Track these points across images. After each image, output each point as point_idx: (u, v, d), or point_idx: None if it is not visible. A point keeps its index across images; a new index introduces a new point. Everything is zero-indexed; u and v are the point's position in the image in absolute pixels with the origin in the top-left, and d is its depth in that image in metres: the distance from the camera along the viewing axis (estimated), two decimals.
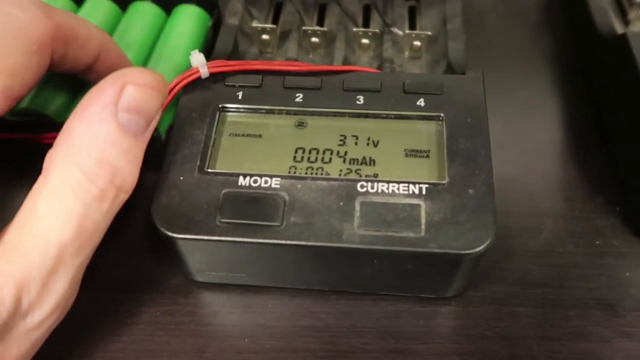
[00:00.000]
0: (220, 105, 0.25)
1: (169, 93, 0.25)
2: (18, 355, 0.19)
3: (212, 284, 0.24)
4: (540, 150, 0.29)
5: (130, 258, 0.25)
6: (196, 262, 0.23)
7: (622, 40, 0.27)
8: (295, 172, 0.23)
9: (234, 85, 0.25)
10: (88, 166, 0.18)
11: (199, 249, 0.22)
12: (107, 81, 0.19)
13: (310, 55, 0.31)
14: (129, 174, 0.19)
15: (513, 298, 0.24)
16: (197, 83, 0.25)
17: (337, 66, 0.26)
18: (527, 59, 0.35)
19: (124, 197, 0.19)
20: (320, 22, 0.33)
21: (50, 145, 0.24)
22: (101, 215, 0.19)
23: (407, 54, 0.31)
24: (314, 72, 0.26)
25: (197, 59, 0.25)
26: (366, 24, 0.33)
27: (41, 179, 0.19)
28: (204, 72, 0.25)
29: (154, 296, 0.24)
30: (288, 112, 0.25)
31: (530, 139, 0.30)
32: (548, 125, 0.31)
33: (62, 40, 0.21)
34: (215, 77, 0.25)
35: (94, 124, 0.18)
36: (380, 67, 0.29)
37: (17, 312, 0.18)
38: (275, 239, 0.21)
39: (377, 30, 0.30)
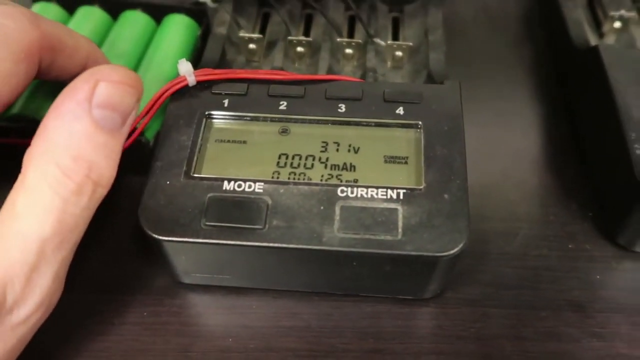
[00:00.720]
0: (206, 113, 0.25)
1: (157, 101, 0.26)
2: (4, 351, 0.19)
3: (197, 285, 0.25)
4: (517, 157, 0.30)
5: (116, 260, 0.26)
6: (182, 263, 0.24)
7: (594, 52, 0.29)
8: (278, 177, 0.24)
9: (220, 93, 0.26)
10: (64, 162, 0.19)
11: (184, 251, 0.23)
12: (80, 79, 0.20)
13: (296, 65, 0.32)
14: (106, 168, 0.20)
15: (488, 299, 0.25)
16: (185, 91, 0.26)
17: (320, 75, 0.27)
18: (506, 69, 0.36)
19: (102, 192, 0.20)
20: (306, 33, 0.34)
21: None
22: (80, 210, 0.19)
23: (389, 63, 0.32)
24: (298, 80, 0.26)
25: (185, 67, 0.26)
26: (351, 35, 0.34)
27: (20, 178, 0.19)
28: (191, 80, 0.26)
29: (140, 297, 0.25)
30: (272, 120, 0.25)
31: (507, 147, 0.31)
32: (525, 134, 0.32)
33: (49, 49, 0.22)
34: (202, 85, 0.26)
35: (69, 121, 0.19)
36: (363, 77, 0.30)
37: (2, 308, 0.18)
38: (258, 241, 0.22)
39: (360, 41, 0.31)
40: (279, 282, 0.25)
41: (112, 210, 0.28)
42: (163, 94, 0.26)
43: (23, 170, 0.19)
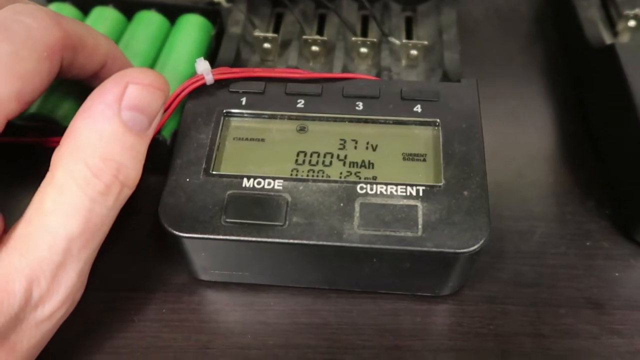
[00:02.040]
0: (224, 111, 0.25)
1: (175, 99, 0.26)
2: (28, 347, 0.19)
3: (216, 282, 0.25)
4: (532, 156, 0.30)
5: (135, 258, 0.26)
6: (201, 260, 0.24)
7: (610, 51, 0.29)
8: (297, 175, 0.24)
9: (237, 92, 0.26)
10: (93, 162, 0.19)
11: (204, 248, 0.23)
12: (110, 81, 0.20)
13: (311, 64, 0.32)
14: (133, 169, 0.20)
15: (506, 297, 0.25)
16: (202, 89, 0.26)
17: (337, 74, 0.27)
18: (520, 68, 0.36)
19: (127, 192, 0.20)
20: (320, 32, 0.34)
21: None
22: (107, 210, 0.20)
23: (404, 62, 0.32)
24: (315, 79, 0.27)
25: (203, 66, 0.26)
26: (364, 34, 0.34)
27: (48, 176, 0.19)
28: (209, 78, 0.26)
29: (159, 295, 0.25)
30: (290, 118, 0.26)
31: (522, 146, 0.31)
32: (539, 133, 0.32)
33: (70, 48, 0.22)
34: (219, 83, 0.26)
35: (98, 122, 0.19)
36: (378, 75, 0.31)
37: (27, 305, 0.19)
38: (278, 238, 0.22)
39: (375, 40, 0.31)
40: (298, 279, 0.25)
41: (130, 209, 0.27)
42: (181, 92, 0.26)
43: (52, 168, 0.19)
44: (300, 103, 0.26)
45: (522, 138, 0.32)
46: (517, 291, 0.25)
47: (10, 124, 0.23)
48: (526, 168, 0.30)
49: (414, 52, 0.31)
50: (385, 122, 0.25)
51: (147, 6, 0.34)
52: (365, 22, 0.35)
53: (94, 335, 0.24)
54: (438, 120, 0.25)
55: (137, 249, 0.27)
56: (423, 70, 0.32)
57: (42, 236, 0.19)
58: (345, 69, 0.31)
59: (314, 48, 0.31)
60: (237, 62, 0.31)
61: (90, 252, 0.20)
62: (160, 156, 0.28)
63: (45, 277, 0.19)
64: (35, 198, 0.19)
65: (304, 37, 0.31)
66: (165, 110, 0.26)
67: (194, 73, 0.29)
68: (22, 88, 0.20)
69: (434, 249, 0.21)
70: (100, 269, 0.25)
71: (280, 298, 0.25)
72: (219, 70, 0.26)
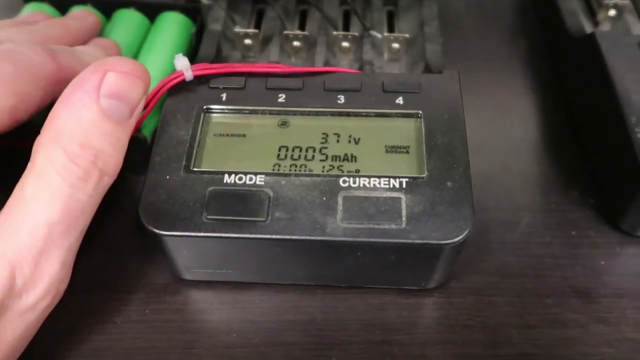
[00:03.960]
0: (204, 107, 0.25)
1: (154, 96, 0.25)
2: (13, 337, 0.19)
3: (199, 281, 0.25)
4: (516, 147, 0.30)
5: (116, 258, 0.26)
6: (183, 259, 0.23)
7: (591, 40, 0.29)
8: (279, 170, 0.23)
9: (217, 87, 0.26)
10: (71, 149, 0.19)
11: (186, 246, 0.22)
12: (89, 69, 0.20)
13: (292, 59, 0.32)
14: (112, 157, 0.20)
15: (493, 288, 0.24)
16: (182, 86, 0.26)
17: (319, 67, 0.27)
18: (502, 60, 0.36)
19: (108, 180, 0.20)
20: (302, 27, 0.34)
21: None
22: (87, 196, 0.20)
23: (386, 56, 0.32)
24: (296, 73, 0.26)
25: (181, 62, 0.26)
26: (346, 29, 0.33)
27: (29, 164, 0.19)
28: (189, 75, 0.26)
29: (141, 295, 0.25)
30: (271, 112, 0.25)
31: (505, 137, 0.31)
32: (522, 124, 0.32)
33: (64, 81, 0.23)
34: (199, 79, 0.26)
35: (77, 110, 0.19)
36: (360, 69, 0.30)
37: (11, 292, 0.18)
38: (261, 233, 0.21)
39: (356, 34, 0.31)
40: (282, 275, 0.24)
41: (110, 208, 0.27)
42: (160, 89, 0.25)
43: (32, 156, 0.19)
44: (281, 98, 0.25)
45: (505, 130, 0.32)
46: (503, 282, 0.25)
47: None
48: (510, 159, 0.30)
49: (395, 45, 0.31)
50: (367, 115, 0.25)
51: (126, 4, 0.33)
52: (347, 17, 0.35)
53: (74, 337, 0.23)
54: (420, 111, 0.25)
55: (117, 248, 0.26)
56: (405, 63, 0.31)
57: (23, 222, 0.19)
58: (327, 64, 0.31)
59: (296, 43, 0.31)
60: (217, 58, 0.30)
61: (73, 240, 0.20)
62: (141, 154, 0.27)
63: (28, 264, 0.19)
64: (16, 187, 0.19)
65: (285, 32, 0.31)
66: (145, 107, 0.26)
67: (174, 70, 0.29)
68: (16, 105, 0.21)
69: (418, 241, 0.21)
70: (80, 270, 0.24)
71: (265, 295, 0.24)
72: (198, 66, 0.26)
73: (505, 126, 0.32)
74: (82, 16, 0.30)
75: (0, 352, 0.19)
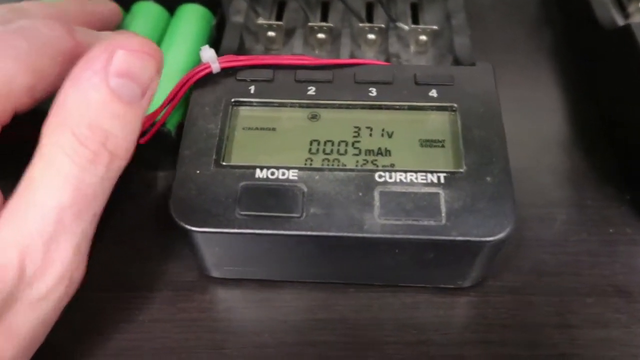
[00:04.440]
0: (232, 100, 0.24)
1: (180, 89, 0.25)
2: (26, 330, 0.18)
3: (228, 279, 0.24)
4: (547, 142, 0.30)
5: (139, 256, 0.25)
6: (213, 256, 0.23)
7: (626, 31, 0.28)
8: (311, 164, 0.23)
9: (245, 80, 0.25)
10: (80, 131, 0.18)
11: (217, 242, 0.22)
12: (97, 48, 0.19)
13: (316, 52, 0.31)
14: (122, 139, 0.19)
15: (530, 287, 0.24)
16: (208, 78, 0.25)
17: (348, 59, 0.26)
18: (527, 53, 0.35)
19: (119, 163, 0.19)
20: (324, 19, 0.33)
21: None
22: (98, 179, 0.19)
23: (412, 48, 0.31)
24: (325, 65, 0.26)
25: (208, 54, 0.25)
26: (370, 20, 0.33)
27: (38, 148, 0.19)
28: (215, 67, 0.25)
29: (168, 293, 0.24)
30: (301, 105, 0.25)
31: (535, 132, 0.30)
32: (552, 118, 0.31)
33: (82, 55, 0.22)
34: (225, 72, 0.25)
35: (85, 90, 0.18)
36: (387, 61, 0.30)
37: (22, 280, 0.18)
38: (296, 230, 0.21)
39: (382, 26, 0.30)
40: (314, 273, 0.24)
41: (130, 204, 0.27)
42: (186, 82, 0.25)
43: (40, 141, 0.19)
44: (311, 90, 0.25)
45: (533, 123, 0.31)
46: (541, 280, 0.24)
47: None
48: (540, 154, 0.29)
49: (423, 37, 0.30)
50: (400, 108, 0.24)
51: None
52: (370, 8, 0.34)
53: (99, 336, 0.23)
54: (455, 104, 0.24)
55: (141, 246, 0.25)
56: (432, 55, 0.31)
57: (32, 208, 0.18)
58: (352, 56, 0.30)
59: (320, 35, 0.30)
60: (240, 51, 0.30)
61: (86, 225, 0.19)
62: (165, 149, 0.27)
63: (38, 251, 0.18)
64: (26, 172, 0.19)
65: (310, 24, 0.30)
66: (171, 101, 0.25)
67: (197, 64, 0.28)
68: (35, 83, 0.20)
69: (459, 238, 0.20)
70: (103, 268, 0.24)
71: (295, 294, 0.24)
72: (225, 58, 0.25)
73: (534, 120, 0.31)
74: (102, 1, 0.29)
75: (14, 346, 0.18)
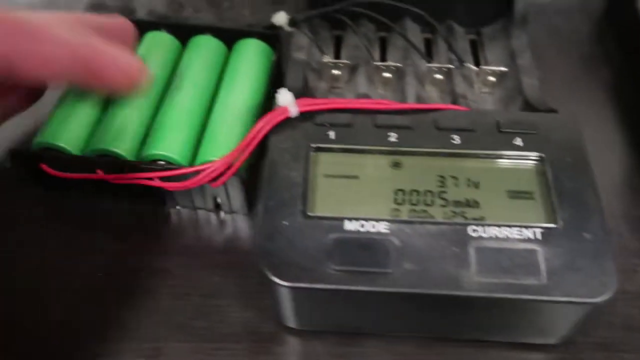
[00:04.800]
0: (313, 146, 0.24)
1: (258, 134, 0.24)
2: None
3: (307, 330, 0.23)
4: (617, 187, 0.29)
5: (216, 304, 0.24)
6: (298, 308, 0.22)
7: None
8: (398, 215, 0.22)
9: (324, 125, 0.24)
10: None
11: (306, 297, 0.21)
12: None
13: (380, 90, 0.31)
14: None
15: (621, 343, 0.23)
16: (286, 122, 0.25)
17: (426, 104, 0.26)
18: (587, 91, 0.34)
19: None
20: (383, 56, 0.33)
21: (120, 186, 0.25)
22: None
23: (478, 88, 0.30)
24: (403, 110, 0.25)
25: (286, 98, 0.24)
26: (429, 57, 0.32)
27: None
28: (294, 111, 0.24)
29: (247, 344, 0.23)
30: (382, 152, 0.24)
31: (605, 177, 0.29)
32: (619, 159, 0.30)
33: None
34: (303, 115, 0.25)
35: None
36: (454, 103, 0.29)
37: None
38: (391, 286, 0.20)
39: (451, 67, 0.29)
40: (399, 326, 0.23)
41: (205, 249, 0.26)
42: (264, 126, 0.24)
43: None
44: (393, 137, 0.24)
45: (602, 166, 0.30)
46: (631, 337, 0.23)
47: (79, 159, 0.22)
48: (613, 199, 0.28)
49: (490, 78, 0.30)
50: (485, 157, 0.24)
51: (203, 30, 0.32)
52: (428, 45, 0.34)
53: None
54: (542, 154, 0.23)
55: (216, 292, 0.25)
56: (499, 96, 0.30)
57: None
58: (418, 96, 0.29)
59: (386, 74, 0.30)
60: (305, 89, 0.29)
61: None
62: (236, 192, 0.26)
63: None
64: None
65: (376, 63, 0.30)
66: (247, 146, 0.24)
67: (260, 101, 0.28)
68: None
69: (562, 299, 0.20)
70: (179, 317, 0.23)
71: (378, 348, 0.23)
72: (302, 101, 0.25)
73: (601, 162, 0.30)
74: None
75: None
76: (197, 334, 0.23)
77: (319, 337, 0.23)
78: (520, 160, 0.24)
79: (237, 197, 0.27)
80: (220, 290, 0.25)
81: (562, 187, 0.22)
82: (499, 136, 0.24)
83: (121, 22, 0.27)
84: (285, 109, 0.24)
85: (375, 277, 0.20)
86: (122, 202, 0.28)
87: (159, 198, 0.28)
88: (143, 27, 0.32)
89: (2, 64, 0.20)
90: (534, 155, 0.24)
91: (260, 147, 0.25)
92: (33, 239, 0.27)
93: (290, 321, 0.23)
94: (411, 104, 0.25)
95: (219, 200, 0.28)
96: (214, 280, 0.25)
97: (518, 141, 0.24)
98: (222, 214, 0.28)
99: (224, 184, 0.25)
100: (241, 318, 0.24)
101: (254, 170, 0.27)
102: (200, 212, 0.28)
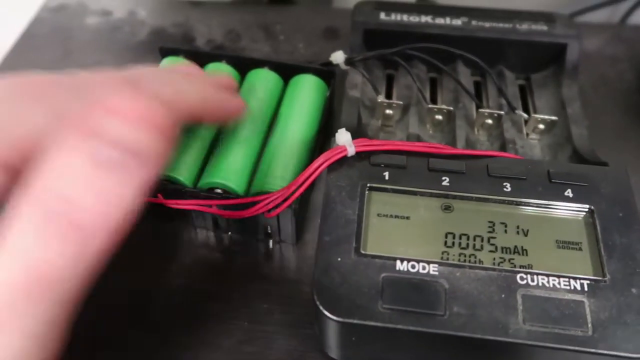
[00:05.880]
0: (368, 185, 0.25)
1: (316, 170, 0.25)
2: None
3: None
4: None
5: (263, 330, 0.25)
6: (346, 343, 0.23)
7: None
8: (447, 258, 0.23)
9: (379, 165, 0.25)
10: (48, 201, 0.15)
11: (355, 332, 0.22)
12: (90, 104, 0.16)
13: (430, 132, 0.32)
14: (101, 218, 0.16)
15: None
16: (343, 161, 0.26)
17: (480, 151, 0.27)
18: (634, 139, 0.35)
19: (96, 244, 0.16)
20: (433, 97, 0.34)
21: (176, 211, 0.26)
22: (64, 260, 0.15)
23: (527, 135, 0.31)
24: (457, 155, 0.26)
25: (344, 137, 0.25)
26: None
27: (10, 207, 0.16)
28: (351, 150, 0.25)
29: None
30: (434, 195, 0.25)
31: None
32: None
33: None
34: (359, 155, 0.26)
35: (65, 154, 0.16)
36: (502, 148, 0.30)
37: None
38: (440, 329, 0.21)
39: (503, 113, 0.30)
40: None
41: (254, 277, 0.27)
42: (322, 163, 0.25)
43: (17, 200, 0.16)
44: (445, 181, 0.25)
45: None
46: None
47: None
48: None
49: (541, 126, 0.30)
50: (535, 206, 0.24)
51: (261, 64, 0.34)
52: (477, 88, 0.35)
53: None
54: (592, 207, 0.24)
55: (264, 319, 0.26)
56: (547, 144, 0.31)
57: None
58: (467, 140, 0.30)
59: (438, 117, 0.31)
60: (358, 127, 0.30)
61: (46, 308, 0.15)
62: (285, 223, 0.27)
63: None
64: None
65: (430, 105, 0.31)
66: (303, 183, 0.25)
67: (314, 134, 0.29)
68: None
69: (608, 352, 0.20)
70: (228, 341, 0.24)
71: None
72: (359, 141, 0.26)
73: None
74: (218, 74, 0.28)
75: None
76: (246, 359, 0.24)
77: None
78: (570, 211, 0.24)
79: (287, 227, 0.28)
80: (266, 317, 0.26)
81: (611, 240, 0.23)
82: (549, 186, 0.25)
83: (229, 78, 0.29)
84: (343, 148, 0.25)
85: (425, 318, 0.21)
86: (172, 224, 0.29)
87: (213, 224, 0.29)
88: (205, 58, 0.34)
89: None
90: (584, 207, 0.24)
91: None
92: None
93: (335, 353, 0.24)
94: (464, 150, 0.26)
95: (269, 229, 0.29)
96: (262, 307, 0.26)
97: (568, 192, 0.25)
98: (270, 242, 0.29)
99: (277, 214, 0.26)
100: (287, 346, 0.25)
101: (303, 202, 0.29)
102: (250, 240, 0.29)
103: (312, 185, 0.31)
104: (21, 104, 0.19)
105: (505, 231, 0.24)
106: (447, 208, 0.25)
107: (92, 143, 0.16)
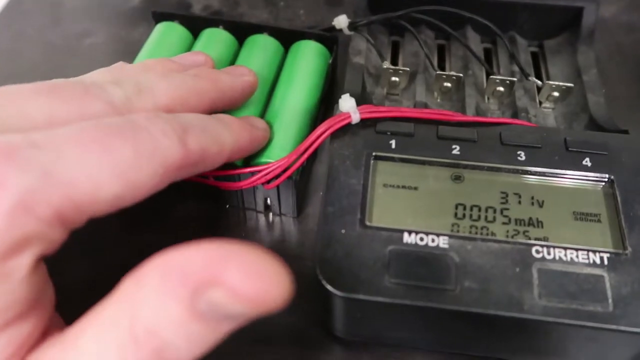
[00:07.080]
0: (373, 154, 0.23)
1: (318, 138, 0.24)
2: None
3: (356, 342, 0.23)
4: None
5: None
6: (350, 319, 0.22)
7: None
8: (458, 231, 0.21)
9: (385, 133, 0.24)
10: (137, 328, 0.15)
11: (361, 308, 0.21)
12: (203, 258, 0.15)
13: (439, 100, 0.30)
14: (186, 351, 0.16)
15: None
16: (346, 128, 0.24)
17: (492, 118, 0.25)
18: None
19: None
20: (441, 64, 0.32)
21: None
22: None
23: (541, 103, 0.30)
24: (468, 122, 0.24)
25: (348, 104, 0.24)
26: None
27: (106, 303, 0.16)
28: (356, 117, 0.24)
29: (292, 350, 0.23)
30: (443, 165, 0.23)
31: None
32: None
33: (190, 165, 0.20)
34: (364, 122, 0.24)
35: (165, 297, 0.15)
36: (514, 117, 0.28)
37: None
38: (451, 304, 0.20)
39: (515, 79, 0.29)
40: (452, 344, 0.22)
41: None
42: (325, 131, 0.24)
43: (115, 290, 0.16)
44: (455, 149, 0.24)
45: None
46: None
47: None
48: None
49: (555, 93, 0.29)
50: (551, 176, 0.23)
51: (260, 30, 0.32)
52: (488, 55, 0.33)
53: None
54: (612, 176, 0.23)
55: None
56: (561, 113, 0.29)
57: None
58: (477, 108, 0.29)
59: (447, 84, 0.29)
60: (363, 94, 0.29)
61: None
62: (287, 195, 0.26)
63: None
64: (82, 321, 0.16)
65: (438, 72, 0.29)
66: (304, 152, 0.24)
67: (316, 103, 0.27)
68: (122, 193, 0.18)
69: (630, 329, 0.19)
70: None
71: None
72: (364, 108, 0.24)
73: None
74: (239, 74, 0.26)
75: None
76: (241, 335, 0.23)
77: (367, 349, 0.23)
78: (588, 181, 0.23)
79: (288, 199, 0.27)
80: None
81: (632, 211, 0.22)
82: (566, 155, 0.23)
83: (244, 86, 0.27)
84: (347, 115, 0.24)
85: (434, 293, 0.20)
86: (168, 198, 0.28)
87: (210, 196, 0.28)
88: (201, 24, 0.32)
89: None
90: (603, 176, 0.23)
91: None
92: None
93: (338, 330, 0.23)
94: (476, 117, 0.25)
95: (269, 201, 0.27)
96: None
97: (587, 161, 0.23)
98: (270, 215, 0.28)
99: (277, 186, 0.25)
100: (286, 321, 0.24)
101: (304, 173, 0.27)
102: (249, 212, 0.28)
103: (314, 156, 0.30)
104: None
105: (519, 202, 0.22)
106: (458, 178, 0.23)
107: (199, 302, 0.15)
